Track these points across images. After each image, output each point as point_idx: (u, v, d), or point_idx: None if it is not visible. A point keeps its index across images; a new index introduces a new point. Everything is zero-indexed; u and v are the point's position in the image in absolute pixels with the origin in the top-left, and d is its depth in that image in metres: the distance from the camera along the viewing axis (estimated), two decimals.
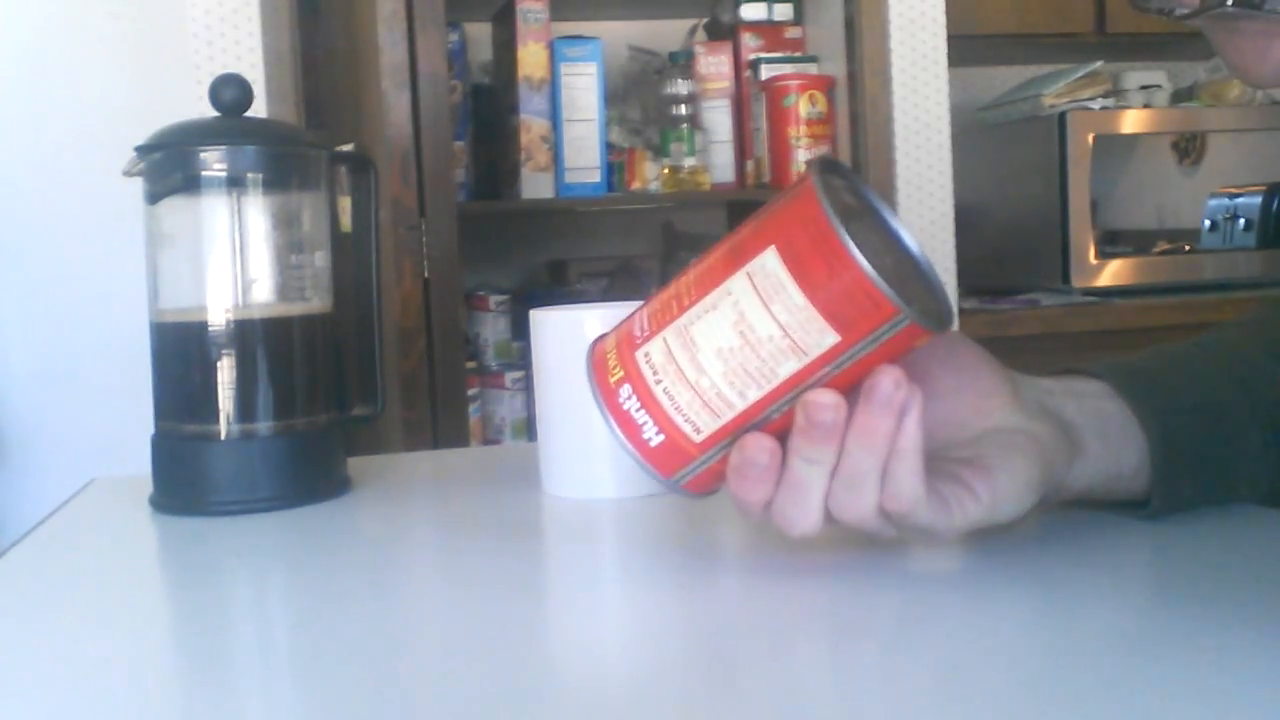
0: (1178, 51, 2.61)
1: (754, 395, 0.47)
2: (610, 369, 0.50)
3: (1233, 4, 0.48)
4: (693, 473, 0.50)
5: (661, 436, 0.49)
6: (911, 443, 0.47)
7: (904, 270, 0.49)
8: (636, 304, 0.54)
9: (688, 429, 0.48)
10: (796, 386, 0.47)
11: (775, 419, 0.48)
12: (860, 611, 0.47)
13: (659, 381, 0.48)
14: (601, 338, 0.53)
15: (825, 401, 0.46)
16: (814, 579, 0.52)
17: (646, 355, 0.49)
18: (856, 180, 0.50)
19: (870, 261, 0.45)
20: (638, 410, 0.49)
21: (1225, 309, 2.15)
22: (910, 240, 0.50)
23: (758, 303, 0.46)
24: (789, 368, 0.46)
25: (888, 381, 0.46)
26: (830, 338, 0.46)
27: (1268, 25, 0.49)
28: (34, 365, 2.01)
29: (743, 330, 0.47)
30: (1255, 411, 0.59)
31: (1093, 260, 2.25)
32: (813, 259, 0.45)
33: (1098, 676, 0.39)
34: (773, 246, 0.46)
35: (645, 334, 0.50)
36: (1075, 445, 0.54)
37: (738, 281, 0.47)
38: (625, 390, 0.49)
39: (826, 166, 0.48)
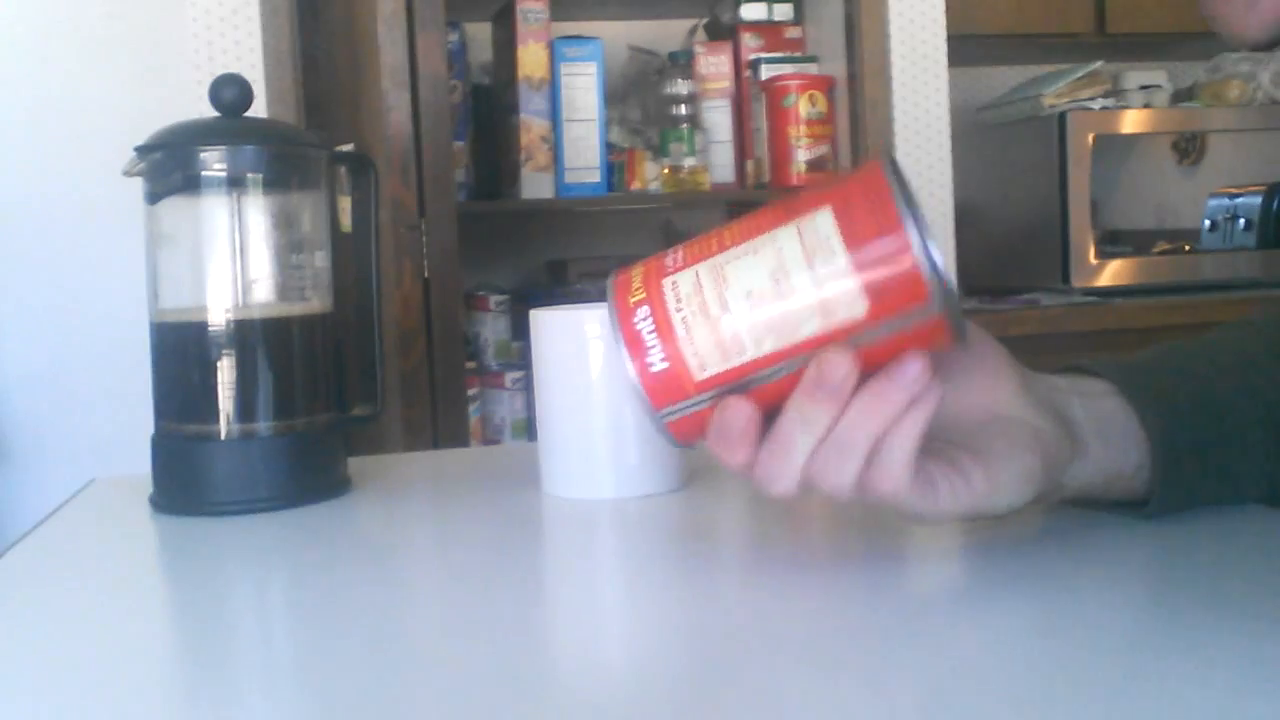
0: (1178, 51, 2.61)
1: (768, 347, 0.47)
2: (633, 290, 0.50)
3: None
4: (681, 412, 0.49)
5: (665, 365, 0.48)
6: (913, 427, 0.47)
7: None
8: None
9: (693, 363, 0.48)
10: (811, 350, 0.47)
11: (778, 379, 0.48)
12: (859, 611, 0.47)
13: (679, 310, 0.48)
14: (629, 265, 0.52)
15: (842, 359, 0.46)
16: (813, 579, 0.52)
17: (674, 283, 0.49)
18: (911, 191, 0.50)
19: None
20: (650, 333, 0.49)
21: (1225, 309, 2.15)
22: (940, 259, 0.50)
23: (800, 255, 0.47)
24: (811, 327, 0.47)
25: (917, 365, 0.46)
26: (859, 307, 0.46)
27: None
28: (34, 365, 2.01)
29: (778, 278, 0.47)
30: (1256, 411, 0.59)
31: (1093, 260, 2.25)
32: (866, 225, 0.46)
33: (1097, 676, 0.39)
34: (829, 207, 0.47)
35: (677, 265, 0.49)
36: (1077, 445, 0.54)
37: (786, 232, 0.47)
38: (643, 312, 0.49)
39: (893, 162, 0.49)
